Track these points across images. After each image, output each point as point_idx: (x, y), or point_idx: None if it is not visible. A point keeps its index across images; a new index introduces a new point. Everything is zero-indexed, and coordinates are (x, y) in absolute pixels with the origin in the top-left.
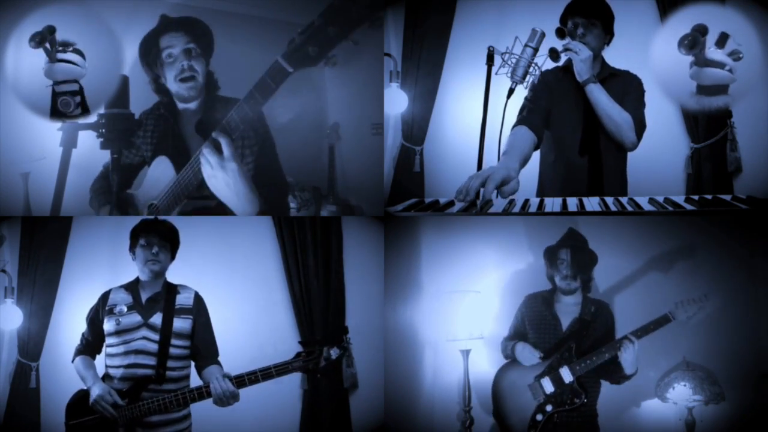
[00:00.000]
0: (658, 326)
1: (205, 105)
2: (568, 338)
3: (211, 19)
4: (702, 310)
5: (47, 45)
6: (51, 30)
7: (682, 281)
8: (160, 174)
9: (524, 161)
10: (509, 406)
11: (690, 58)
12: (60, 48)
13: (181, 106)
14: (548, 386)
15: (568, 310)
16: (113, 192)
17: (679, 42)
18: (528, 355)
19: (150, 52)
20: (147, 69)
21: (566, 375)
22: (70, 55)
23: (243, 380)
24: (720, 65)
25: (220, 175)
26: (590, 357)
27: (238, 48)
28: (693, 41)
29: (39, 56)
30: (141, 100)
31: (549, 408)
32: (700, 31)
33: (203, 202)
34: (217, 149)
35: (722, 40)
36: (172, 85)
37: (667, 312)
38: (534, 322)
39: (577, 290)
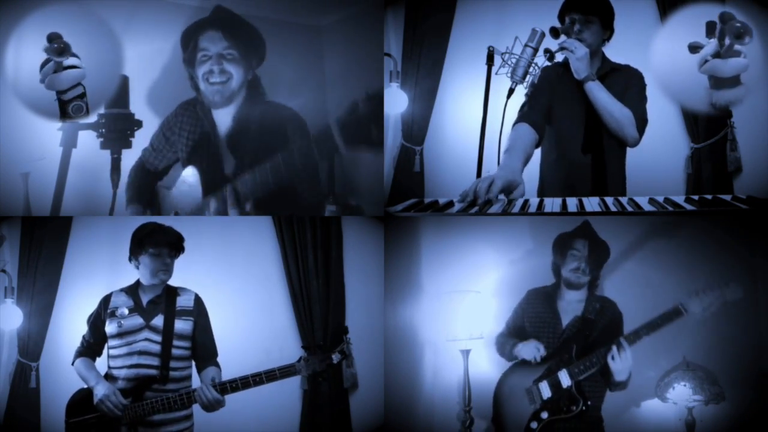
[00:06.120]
0: (667, 321)
1: (239, 114)
2: (570, 339)
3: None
4: (719, 300)
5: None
6: (58, 37)
7: (681, 282)
8: (188, 188)
9: (527, 160)
10: (507, 411)
11: (693, 56)
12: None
13: (215, 112)
14: (546, 391)
15: (570, 307)
16: (114, 192)
17: (730, 32)
18: (532, 348)
19: (188, 47)
20: (185, 65)
21: (564, 379)
22: (72, 60)
23: (248, 382)
24: (738, 54)
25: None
26: (587, 360)
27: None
28: (743, 30)
29: (39, 56)
30: (178, 92)
31: (545, 415)
32: (731, 19)
33: None
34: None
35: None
36: (202, 83)
37: (678, 304)
38: (533, 320)
39: (584, 286)
